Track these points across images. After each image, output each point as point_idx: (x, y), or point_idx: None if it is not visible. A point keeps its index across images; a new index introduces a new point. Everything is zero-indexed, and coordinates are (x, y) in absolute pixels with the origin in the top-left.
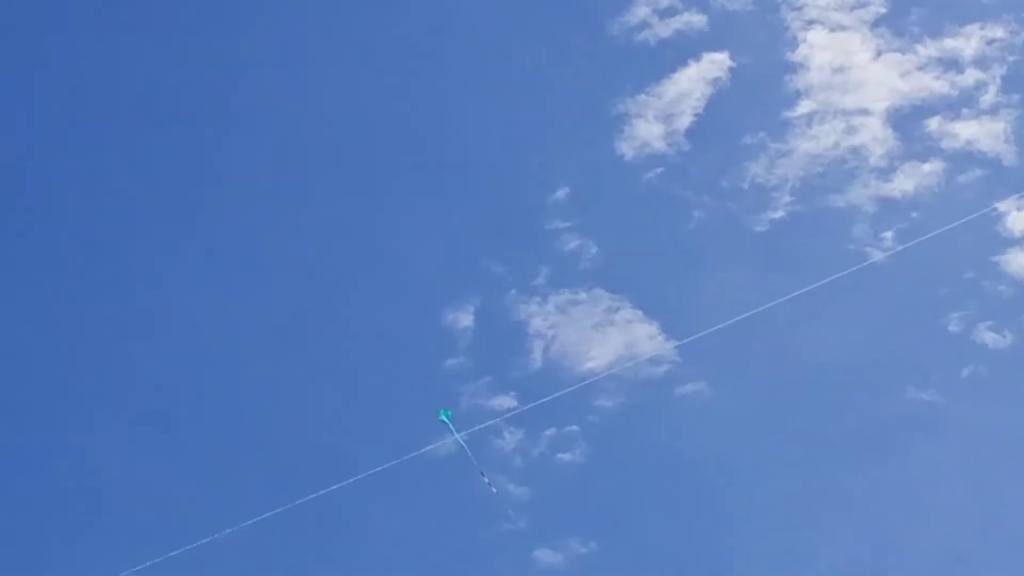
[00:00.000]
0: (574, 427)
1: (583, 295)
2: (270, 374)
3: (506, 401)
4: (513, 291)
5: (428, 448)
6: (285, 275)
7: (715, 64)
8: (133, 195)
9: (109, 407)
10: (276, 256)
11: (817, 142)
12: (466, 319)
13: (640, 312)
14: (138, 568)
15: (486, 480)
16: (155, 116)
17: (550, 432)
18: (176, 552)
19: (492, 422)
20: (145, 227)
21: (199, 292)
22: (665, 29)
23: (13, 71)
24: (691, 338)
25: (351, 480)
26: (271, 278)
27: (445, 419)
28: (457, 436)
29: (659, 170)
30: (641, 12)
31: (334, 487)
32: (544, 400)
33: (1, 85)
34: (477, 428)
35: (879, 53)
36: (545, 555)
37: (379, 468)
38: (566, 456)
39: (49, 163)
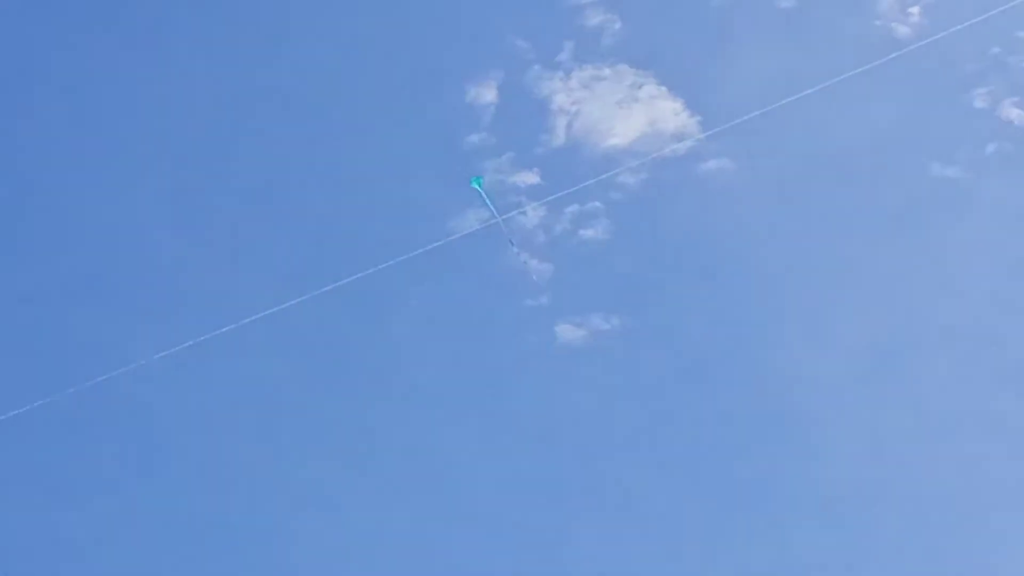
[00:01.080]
0: (597, 203)
1: (607, 71)
2: (294, 153)
3: (529, 177)
4: (536, 67)
5: (461, 235)
6: (305, 51)
7: None
8: None
9: (136, 186)
10: (296, 32)
11: None
12: (489, 94)
13: (664, 88)
14: (169, 352)
15: (515, 250)
16: None
17: (572, 209)
18: (206, 336)
19: (539, 201)
20: None
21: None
22: None
23: None
24: (719, 128)
25: (379, 267)
26: (291, 55)
27: (477, 187)
28: (488, 204)
29: None
30: None
31: (360, 275)
32: (581, 186)
33: None
34: (513, 213)
35: None
36: (567, 331)
37: (409, 255)
38: (588, 232)
39: None
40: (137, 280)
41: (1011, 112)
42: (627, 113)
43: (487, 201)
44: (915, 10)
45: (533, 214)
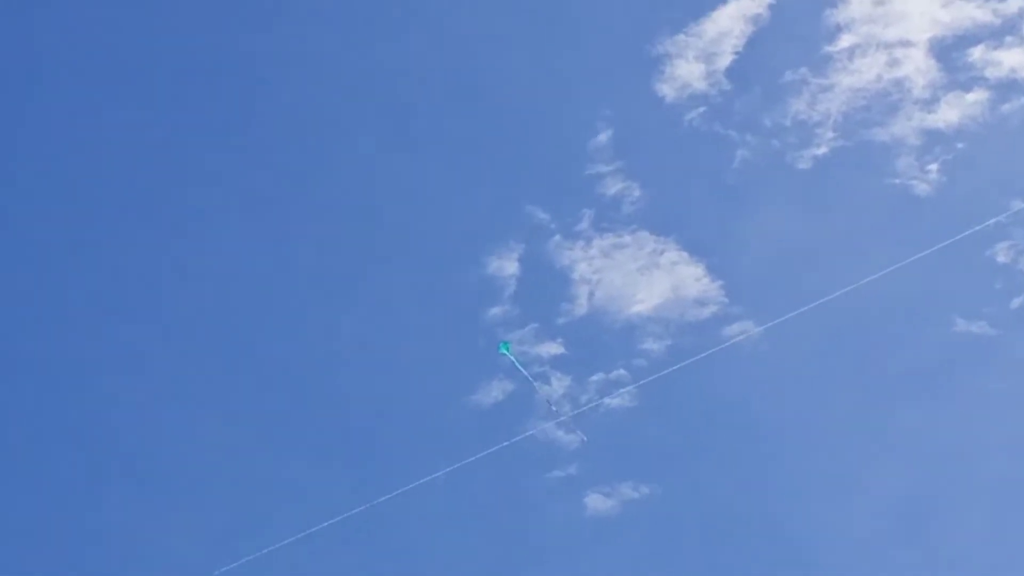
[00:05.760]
0: (621, 371)
1: (627, 238)
2: (318, 332)
3: (552, 348)
4: (557, 237)
5: (529, 432)
6: (327, 228)
7: (754, 1)
8: None
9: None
10: (317, 207)
11: (859, 76)
12: (510, 266)
13: (685, 253)
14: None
15: (553, 408)
16: None
17: (597, 377)
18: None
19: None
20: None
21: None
22: None
23: None
24: (776, 321)
25: (416, 484)
26: (313, 228)
27: (506, 352)
28: (520, 367)
29: (701, 110)
30: None
31: (399, 492)
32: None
33: None
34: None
35: None
36: (596, 501)
37: (445, 470)
38: (614, 401)
39: None
40: (165, 495)
41: None
42: (649, 280)
43: (517, 363)
44: (933, 167)
45: (558, 384)
